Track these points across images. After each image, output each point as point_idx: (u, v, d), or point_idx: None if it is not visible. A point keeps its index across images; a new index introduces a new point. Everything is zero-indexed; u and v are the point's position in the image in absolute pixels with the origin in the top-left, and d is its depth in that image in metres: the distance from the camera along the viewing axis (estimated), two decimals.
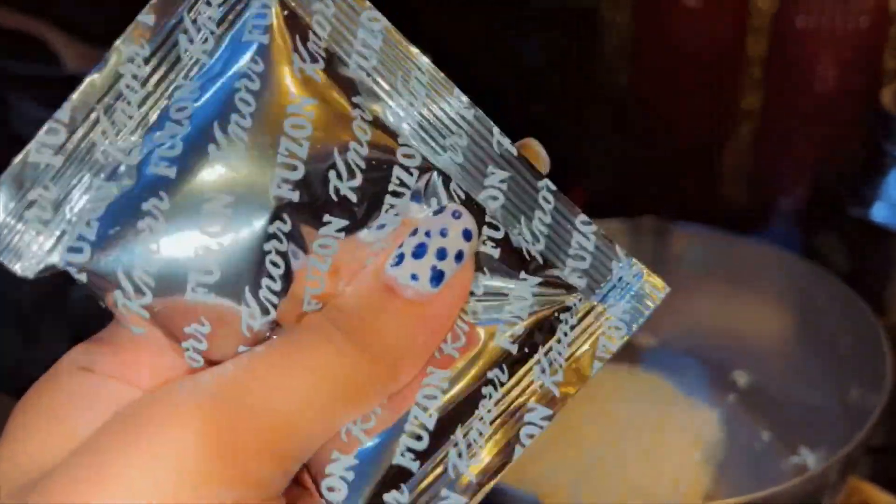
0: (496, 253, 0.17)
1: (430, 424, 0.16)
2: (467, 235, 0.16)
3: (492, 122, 0.17)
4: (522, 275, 0.17)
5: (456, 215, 0.16)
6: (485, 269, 0.17)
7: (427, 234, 0.15)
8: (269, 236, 0.15)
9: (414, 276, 0.15)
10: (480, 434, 0.16)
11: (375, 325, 0.15)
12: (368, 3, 0.16)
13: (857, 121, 0.48)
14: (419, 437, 0.16)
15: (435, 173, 0.16)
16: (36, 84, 0.49)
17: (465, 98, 0.17)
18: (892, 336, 0.47)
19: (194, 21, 0.16)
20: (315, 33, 0.16)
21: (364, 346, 0.15)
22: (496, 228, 0.17)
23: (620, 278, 0.17)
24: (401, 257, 0.15)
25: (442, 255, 0.15)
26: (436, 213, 0.16)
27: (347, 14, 0.16)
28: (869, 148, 0.46)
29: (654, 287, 0.18)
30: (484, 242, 0.17)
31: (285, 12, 0.16)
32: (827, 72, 0.54)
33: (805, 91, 0.55)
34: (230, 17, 0.16)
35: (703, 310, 0.45)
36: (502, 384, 0.17)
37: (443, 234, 0.16)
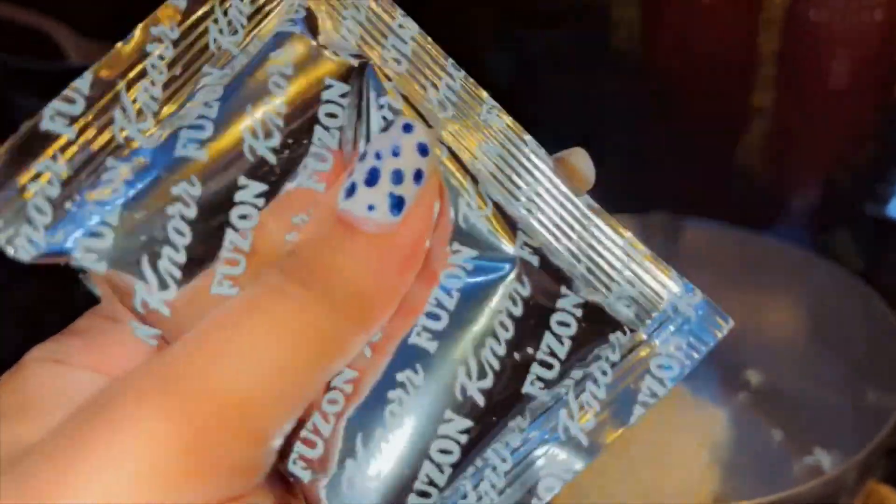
0: (535, 260, 0.15)
1: (442, 482, 0.14)
2: (423, 150, 0.13)
3: (524, 131, 0.16)
4: (563, 290, 0.15)
5: (407, 129, 0.14)
6: (523, 277, 0.14)
7: (377, 155, 0.13)
8: None
9: (371, 207, 0.13)
10: (493, 486, 0.14)
11: (335, 269, 0.13)
12: (400, 11, 0.16)
13: (872, 116, 0.47)
14: (426, 494, 0.14)
15: (469, 178, 0.15)
16: (40, 79, 0.48)
17: (496, 105, 0.16)
18: None
19: (225, 13, 0.15)
20: (344, 38, 0.15)
21: (326, 294, 0.13)
22: (531, 240, 0.15)
23: (676, 308, 0.15)
24: (352, 187, 0.13)
25: (398, 178, 0.13)
26: (383, 130, 0.14)
27: (378, 20, 0.16)
28: (884, 144, 0.45)
29: (717, 320, 0.15)
30: (522, 247, 0.15)
31: (315, 15, 0.15)
32: (841, 66, 0.53)
33: (819, 87, 0.54)
34: (260, 14, 0.15)
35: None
36: (521, 430, 0.15)
37: (395, 153, 0.13)
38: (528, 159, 0.16)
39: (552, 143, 0.19)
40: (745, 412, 0.42)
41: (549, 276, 0.15)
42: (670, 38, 0.58)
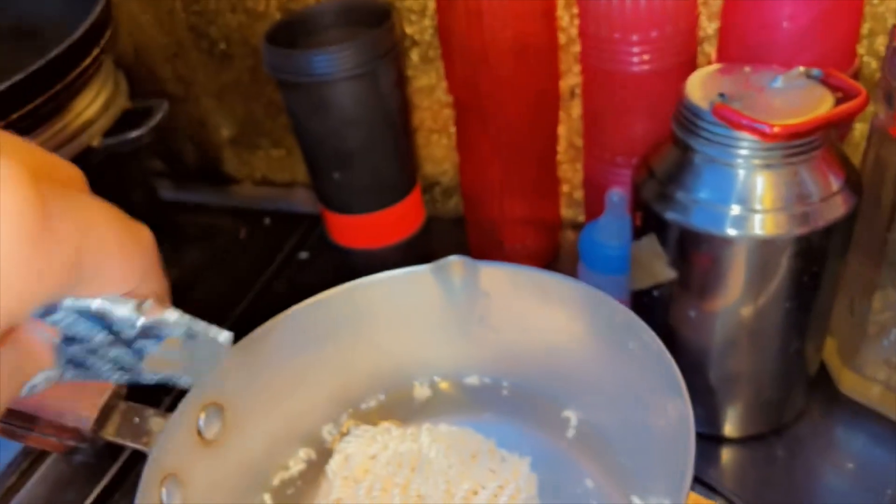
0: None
1: None
2: None
3: None
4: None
5: None
6: None
7: None
8: None
9: None
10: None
11: None
12: None
13: (670, 108, 0.44)
14: None
15: None
16: None
17: None
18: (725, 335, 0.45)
19: None
20: None
21: None
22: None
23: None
24: None
25: None
26: None
27: None
28: (678, 143, 0.42)
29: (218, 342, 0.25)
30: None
31: None
32: (640, 56, 0.50)
33: (617, 72, 0.51)
34: None
35: (522, 347, 0.42)
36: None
37: None
38: None
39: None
40: (563, 459, 0.40)
41: None
42: (465, 23, 0.53)
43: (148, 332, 0.23)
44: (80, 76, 0.47)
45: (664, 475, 0.35)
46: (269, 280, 0.68)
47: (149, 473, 0.31)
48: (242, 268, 0.70)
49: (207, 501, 0.36)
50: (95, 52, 0.48)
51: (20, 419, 0.32)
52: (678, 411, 0.31)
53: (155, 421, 0.34)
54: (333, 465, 0.39)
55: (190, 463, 0.35)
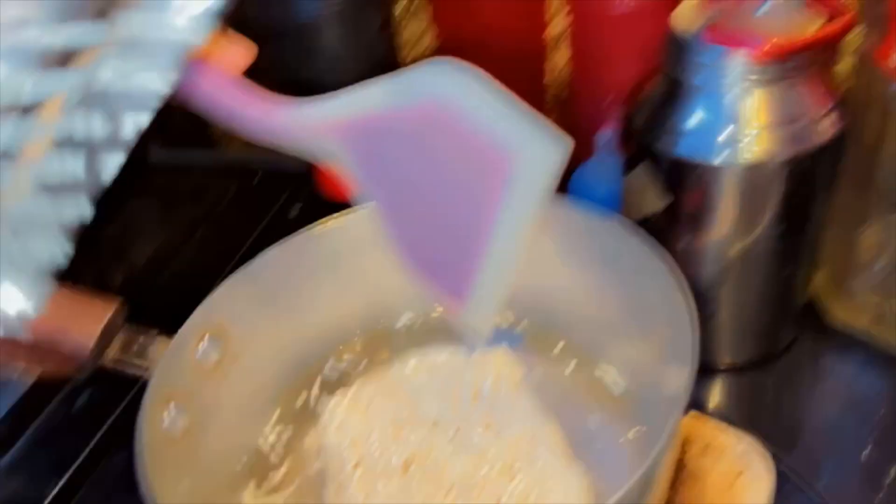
0: None
1: None
2: None
3: None
4: None
5: None
6: None
7: None
8: None
9: None
10: None
11: None
12: None
13: (656, 46, 0.44)
14: None
15: None
16: None
17: None
18: (725, 263, 0.45)
19: None
20: None
21: None
22: None
23: None
24: None
25: None
26: None
27: None
28: (666, 77, 0.43)
29: None
30: None
31: None
32: None
33: (605, 14, 0.51)
34: None
35: (534, 281, 0.42)
36: None
37: None
38: None
39: None
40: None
41: None
42: None
43: None
44: None
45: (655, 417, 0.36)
46: (260, 237, 0.68)
47: (152, 394, 0.31)
48: (233, 226, 0.70)
49: (214, 423, 0.36)
50: None
51: (16, 347, 0.32)
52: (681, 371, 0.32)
53: (155, 347, 0.34)
54: (332, 437, 0.39)
55: (193, 388, 0.35)
